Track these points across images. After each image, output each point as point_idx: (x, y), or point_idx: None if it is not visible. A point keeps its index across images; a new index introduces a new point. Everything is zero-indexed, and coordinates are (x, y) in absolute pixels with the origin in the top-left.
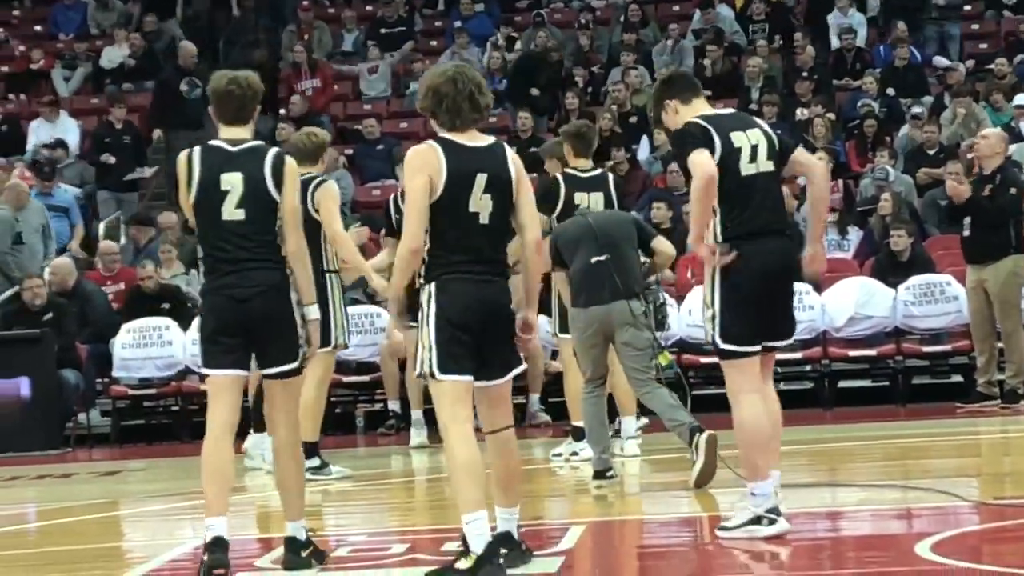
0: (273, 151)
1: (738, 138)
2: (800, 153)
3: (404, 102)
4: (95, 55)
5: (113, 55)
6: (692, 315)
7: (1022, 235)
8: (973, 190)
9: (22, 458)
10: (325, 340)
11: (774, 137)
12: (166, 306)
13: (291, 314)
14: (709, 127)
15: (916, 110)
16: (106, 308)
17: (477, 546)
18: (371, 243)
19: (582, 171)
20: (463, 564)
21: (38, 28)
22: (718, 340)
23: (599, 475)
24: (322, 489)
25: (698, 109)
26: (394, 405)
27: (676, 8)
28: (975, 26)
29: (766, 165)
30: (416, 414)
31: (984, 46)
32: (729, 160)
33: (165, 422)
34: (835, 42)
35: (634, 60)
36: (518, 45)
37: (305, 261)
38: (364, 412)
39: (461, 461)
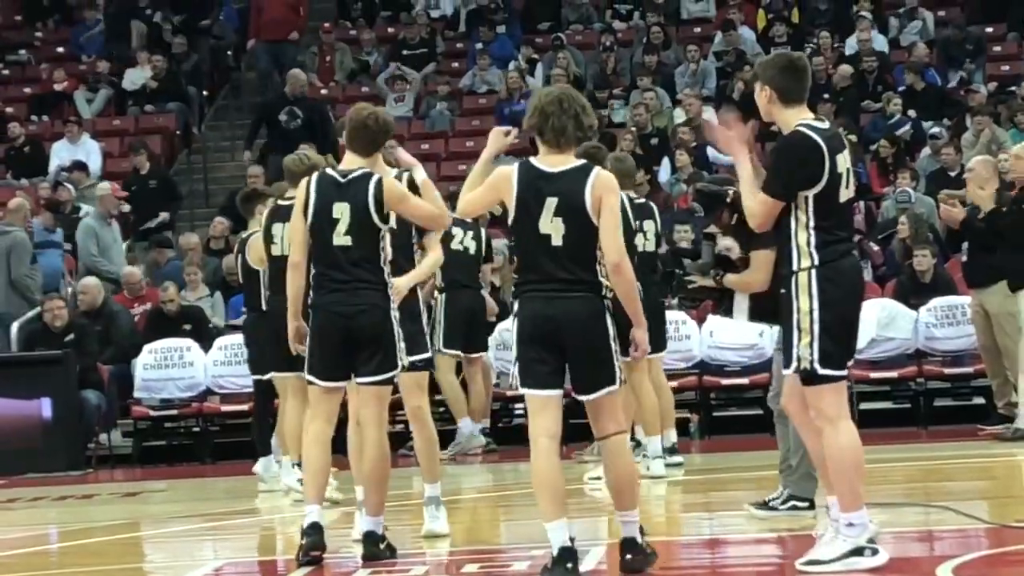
0: (375, 177)
1: (840, 161)
2: None
3: (425, 124)
4: (118, 77)
5: (135, 77)
6: (713, 336)
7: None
8: (968, 215)
9: (44, 479)
10: None
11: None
12: (187, 327)
13: (392, 329)
14: (823, 145)
15: (935, 131)
16: (131, 329)
17: (554, 550)
18: None
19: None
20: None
21: (61, 50)
22: (817, 366)
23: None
24: (344, 509)
25: (801, 115)
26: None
27: (698, 30)
28: (997, 48)
29: (851, 193)
30: None
31: (1006, 68)
32: (833, 185)
33: (186, 443)
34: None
35: (653, 81)
36: (539, 67)
37: None
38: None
39: (535, 473)
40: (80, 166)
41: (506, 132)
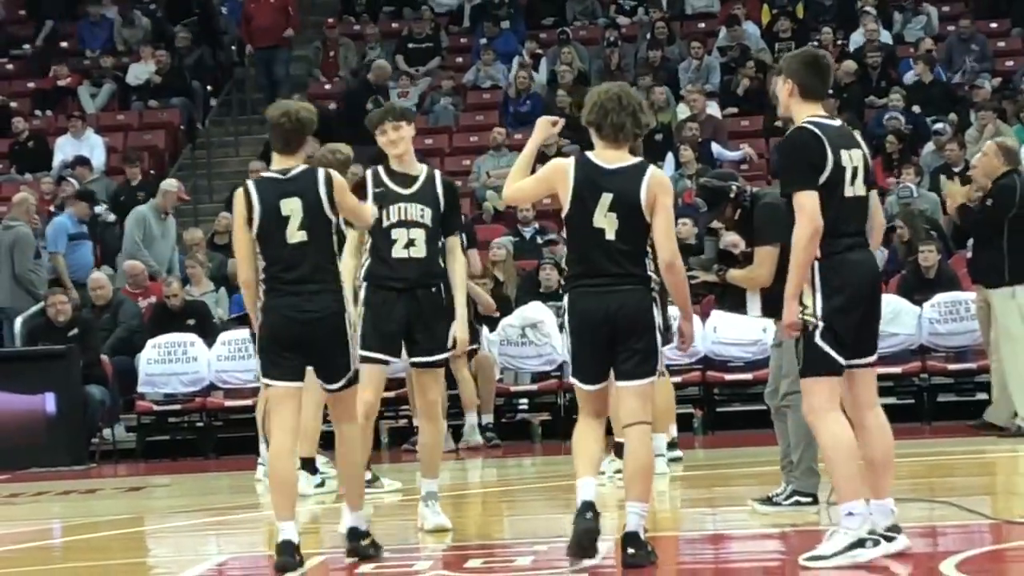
0: (322, 172)
1: (847, 157)
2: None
3: (429, 119)
4: (121, 72)
5: (139, 72)
6: (717, 332)
7: None
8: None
9: (47, 474)
10: None
11: (870, 163)
12: (191, 322)
13: (345, 329)
14: (824, 140)
15: (939, 127)
16: (137, 317)
17: (578, 502)
18: None
19: None
20: None
21: (64, 44)
22: (821, 343)
23: None
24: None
25: (814, 111)
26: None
27: (702, 25)
28: (1001, 43)
29: (861, 190)
30: None
31: (1011, 63)
32: (836, 180)
33: (190, 438)
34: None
35: (657, 77)
36: (543, 62)
37: None
38: (389, 428)
39: (574, 438)
40: (83, 161)
41: (553, 122)
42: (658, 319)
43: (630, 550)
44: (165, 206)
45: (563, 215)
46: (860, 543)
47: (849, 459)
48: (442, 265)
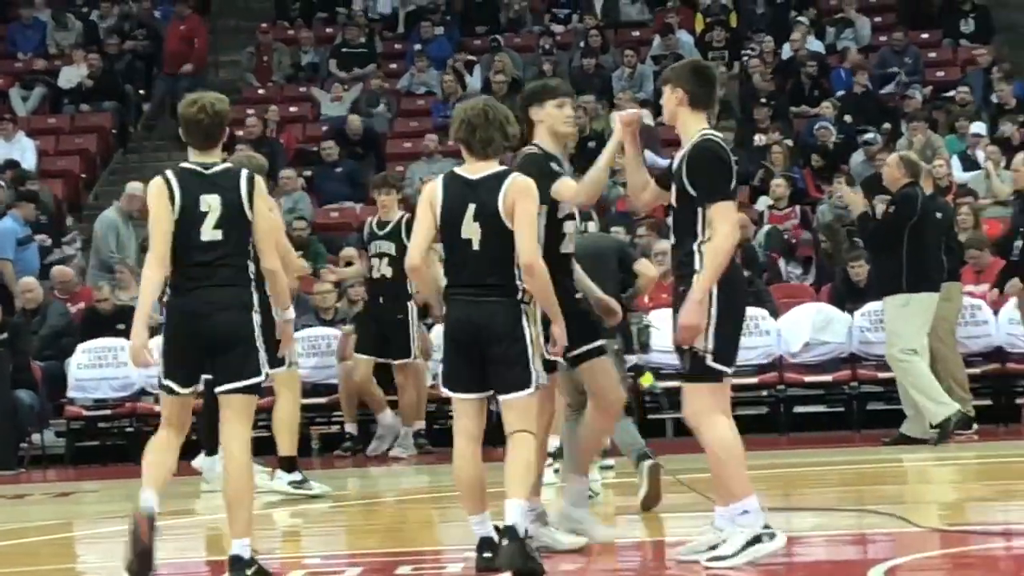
0: (245, 172)
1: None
2: None
3: (362, 125)
4: (53, 75)
5: (71, 75)
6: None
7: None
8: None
9: None
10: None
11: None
12: (121, 327)
13: (253, 331)
14: (732, 159)
15: (868, 136)
16: (64, 318)
17: (476, 539)
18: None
19: None
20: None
21: None
22: (709, 359)
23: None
24: (278, 511)
25: (703, 122)
26: (351, 427)
27: (636, 34)
28: (933, 54)
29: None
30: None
31: (941, 74)
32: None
33: (120, 443)
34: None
35: (590, 85)
36: (476, 69)
37: (283, 275)
38: (319, 434)
39: (455, 471)
40: (12, 165)
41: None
42: (527, 330)
43: (504, 540)
44: (131, 209)
45: (437, 228)
46: (757, 539)
47: (737, 459)
48: None
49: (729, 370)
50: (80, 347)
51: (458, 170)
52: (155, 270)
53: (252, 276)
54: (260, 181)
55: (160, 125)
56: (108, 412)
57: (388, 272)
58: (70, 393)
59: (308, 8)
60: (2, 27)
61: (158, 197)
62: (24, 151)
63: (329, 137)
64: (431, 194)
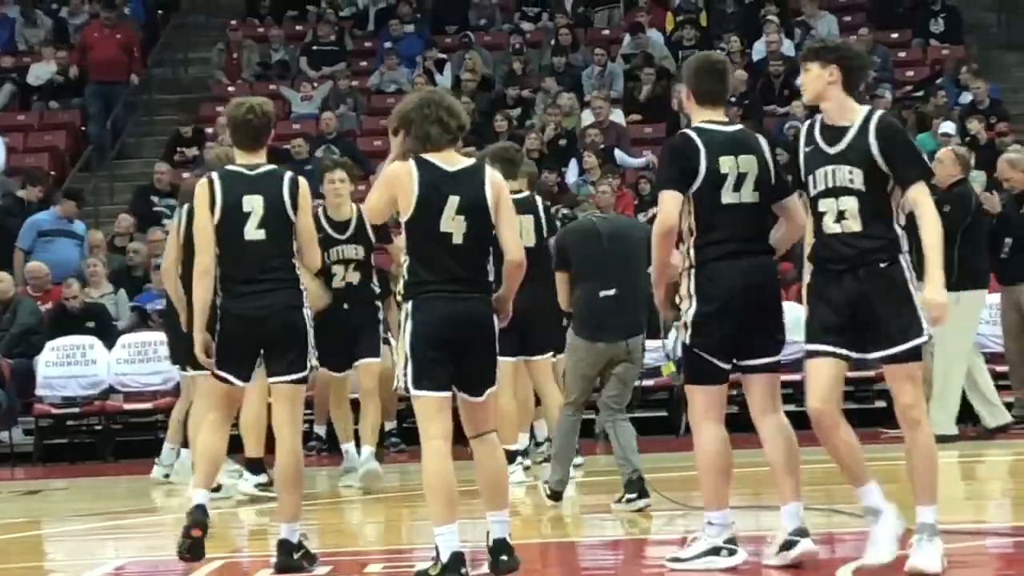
0: (289, 174)
1: (729, 163)
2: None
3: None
4: (22, 71)
5: (40, 72)
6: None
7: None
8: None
9: None
10: None
11: (771, 170)
12: (91, 324)
13: (305, 329)
14: (699, 145)
15: None
16: (34, 317)
17: (444, 555)
18: None
19: (512, 193)
20: (432, 571)
21: None
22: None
23: (556, 496)
24: (244, 510)
25: (710, 115)
26: (320, 429)
27: (606, 32)
28: (902, 54)
29: (749, 196)
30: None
31: (911, 74)
32: (710, 186)
33: (88, 441)
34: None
35: (560, 83)
36: (447, 67)
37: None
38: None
39: (430, 476)
40: None
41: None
42: (496, 327)
43: (503, 557)
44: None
45: (403, 220)
46: (715, 551)
47: (713, 470)
48: None
49: (723, 366)
50: (48, 344)
51: (430, 158)
52: (204, 284)
53: (298, 274)
54: (303, 183)
55: (131, 122)
56: (76, 410)
57: (355, 279)
58: (39, 391)
59: (278, 5)
60: None
61: (200, 202)
62: None
63: (300, 135)
64: (402, 177)
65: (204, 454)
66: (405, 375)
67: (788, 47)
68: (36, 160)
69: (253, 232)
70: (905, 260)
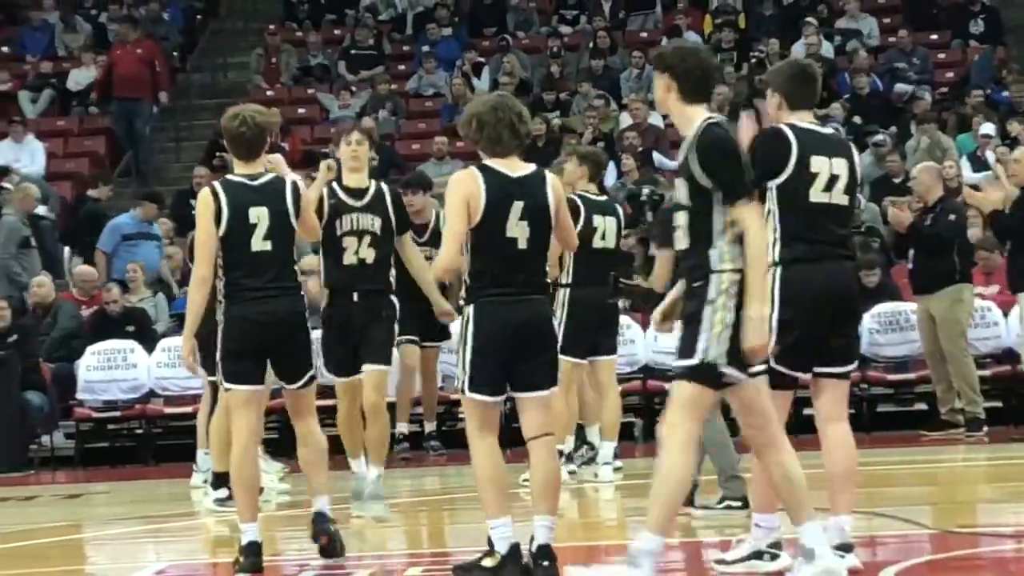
0: (289, 182)
1: (818, 163)
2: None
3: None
4: (62, 77)
5: (80, 77)
6: (658, 341)
7: (967, 264)
8: (915, 219)
9: None
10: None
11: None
12: (131, 329)
13: (308, 335)
14: (793, 142)
15: (878, 138)
16: (75, 320)
17: (502, 548)
18: None
19: (594, 195)
20: (488, 562)
21: (5, 49)
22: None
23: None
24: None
25: (798, 119)
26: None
27: (644, 35)
28: (942, 55)
29: (841, 198)
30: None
31: (950, 75)
32: (801, 183)
33: (129, 445)
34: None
35: (598, 86)
36: (485, 71)
37: None
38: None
39: (484, 470)
40: (3, 172)
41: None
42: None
43: (544, 563)
44: (24, 211)
45: (471, 226)
46: (759, 555)
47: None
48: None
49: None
50: (89, 349)
51: (492, 165)
52: (200, 292)
53: (300, 282)
54: (303, 186)
55: (169, 127)
56: (117, 414)
57: (370, 256)
58: (79, 395)
59: (316, 10)
60: (11, 29)
61: (204, 213)
62: (33, 153)
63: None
64: (469, 188)
65: (243, 485)
66: (464, 378)
67: (827, 49)
68: (76, 165)
69: (260, 243)
70: (717, 279)
